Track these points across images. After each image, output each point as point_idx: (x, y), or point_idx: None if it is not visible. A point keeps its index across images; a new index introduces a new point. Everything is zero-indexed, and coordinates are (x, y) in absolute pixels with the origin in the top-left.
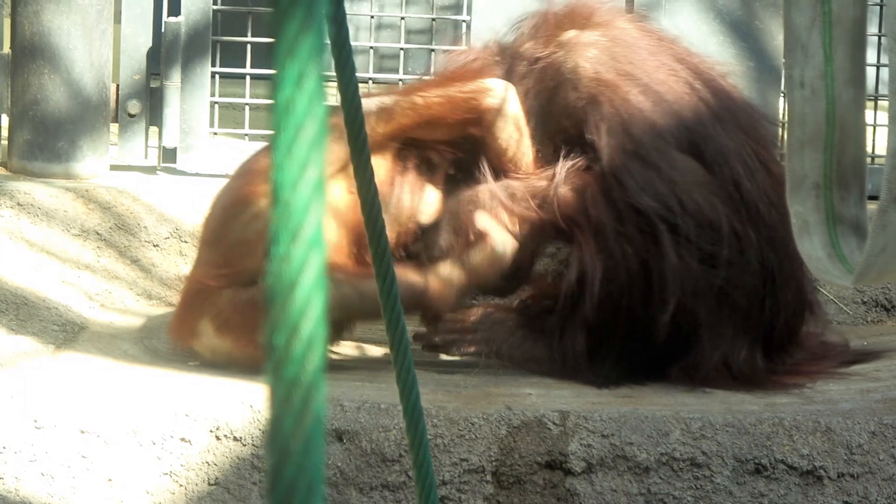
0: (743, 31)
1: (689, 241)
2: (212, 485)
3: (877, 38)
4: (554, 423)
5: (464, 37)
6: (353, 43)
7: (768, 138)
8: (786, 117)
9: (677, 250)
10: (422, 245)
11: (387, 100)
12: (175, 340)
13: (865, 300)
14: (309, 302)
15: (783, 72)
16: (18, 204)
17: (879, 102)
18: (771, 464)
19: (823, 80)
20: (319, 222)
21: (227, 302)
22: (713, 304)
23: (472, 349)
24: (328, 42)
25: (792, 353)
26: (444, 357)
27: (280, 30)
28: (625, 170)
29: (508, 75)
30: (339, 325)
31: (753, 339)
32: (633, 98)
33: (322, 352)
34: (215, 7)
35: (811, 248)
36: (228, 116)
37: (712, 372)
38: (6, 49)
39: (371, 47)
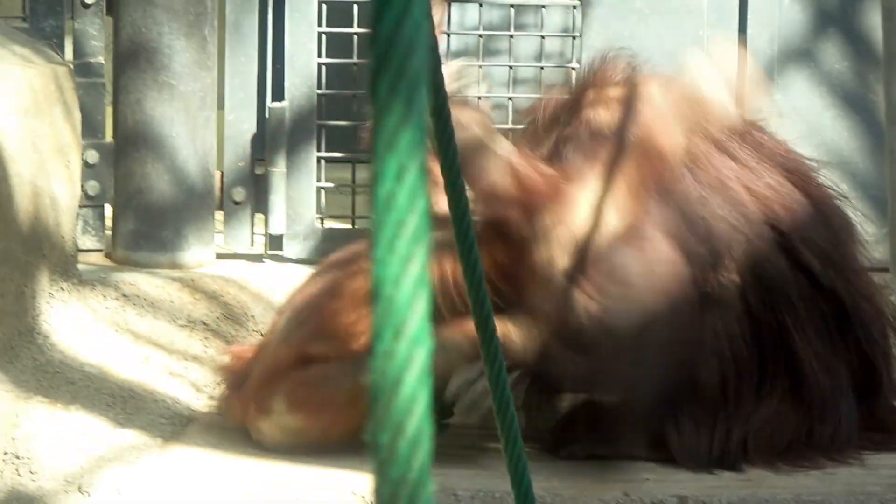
0: (857, 105)
1: None
2: None
3: None
4: None
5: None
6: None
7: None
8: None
9: None
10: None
11: None
12: (234, 418)
13: None
14: (414, 399)
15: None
16: (123, 295)
17: None
18: None
19: None
20: (424, 318)
21: (301, 377)
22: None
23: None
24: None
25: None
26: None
27: (379, 123)
28: None
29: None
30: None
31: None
32: None
33: (428, 450)
34: (320, 91)
35: None
36: (335, 201)
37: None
38: (109, 138)
39: None
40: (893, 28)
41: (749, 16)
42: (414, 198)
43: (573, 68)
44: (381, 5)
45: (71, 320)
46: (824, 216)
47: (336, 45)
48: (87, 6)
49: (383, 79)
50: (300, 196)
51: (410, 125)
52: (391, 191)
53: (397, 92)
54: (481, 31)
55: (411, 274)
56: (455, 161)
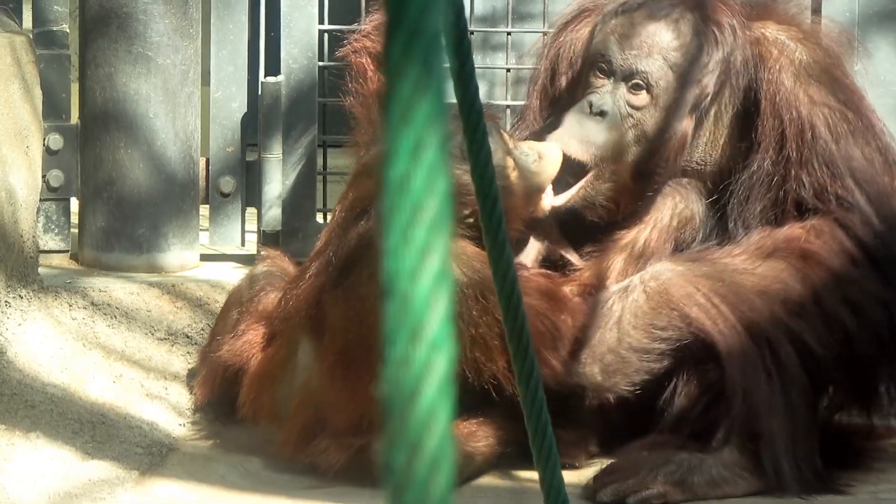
0: None
1: None
2: None
3: None
4: None
5: None
6: (488, 101)
7: None
8: None
9: None
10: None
11: None
12: None
13: None
14: (433, 413)
15: None
16: (93, 303)
17: None
18: None
19: None
20: (444, 318)
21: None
22: None
23: (654, 492)
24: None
25: None
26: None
27: (392, 91)
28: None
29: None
30: None
31: None
32: None
33: (450, 472)
34: (322, 63)
35: None
36: (340, 192)
37: None
38: (74, 119)
39: (507, 106)
40: None
41: None
42: (432, 178)
43: None
44: None
45: (31, 333)
46: None
47: (340, 8)
48: None
49: (396, 39)
50: (299, 186)
51: (428, 93)
52: (406, 171)
53: (412, 54)
54: None
55: (430, 267)
56: (482, 133)
